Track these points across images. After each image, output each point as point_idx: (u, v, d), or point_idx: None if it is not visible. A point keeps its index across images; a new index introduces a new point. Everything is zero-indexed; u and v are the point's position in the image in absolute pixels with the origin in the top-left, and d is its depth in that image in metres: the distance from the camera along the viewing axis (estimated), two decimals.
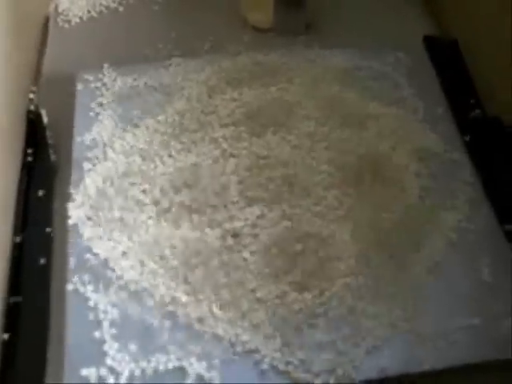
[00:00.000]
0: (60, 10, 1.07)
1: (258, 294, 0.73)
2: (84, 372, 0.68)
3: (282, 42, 1.01)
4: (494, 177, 0.85)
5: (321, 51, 0.98)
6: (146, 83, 0.94)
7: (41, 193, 0.84)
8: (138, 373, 0.68)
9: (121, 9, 1.08)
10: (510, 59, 0.86)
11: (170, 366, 0.69)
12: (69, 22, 1.05)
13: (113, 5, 1.08)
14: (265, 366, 0.69)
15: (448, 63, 0.98)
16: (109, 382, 0.68)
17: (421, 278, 0.76)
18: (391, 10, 1.07)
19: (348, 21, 1.04)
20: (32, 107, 0.91)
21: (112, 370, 0.69)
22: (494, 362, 0.70)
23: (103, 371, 0.68)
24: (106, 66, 0.96)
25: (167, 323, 0.72)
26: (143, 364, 0.69)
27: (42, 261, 0.78)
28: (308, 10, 1.02)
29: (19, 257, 0.79)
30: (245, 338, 0.70)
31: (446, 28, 1.03)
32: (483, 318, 0.73)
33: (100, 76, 0.94)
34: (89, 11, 1.07)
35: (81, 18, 1.06)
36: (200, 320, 0.72)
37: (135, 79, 0.94)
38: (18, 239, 0.80)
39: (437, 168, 0.85)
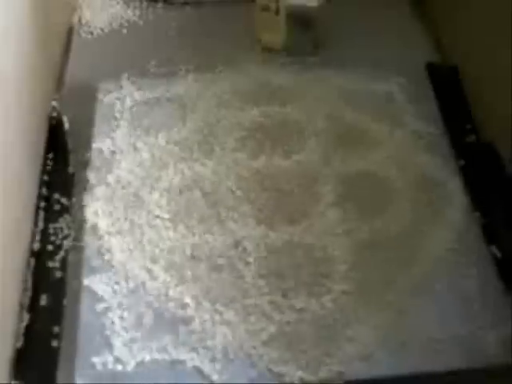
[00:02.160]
0: (83, 22, 1.13)
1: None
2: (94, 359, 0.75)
3: (292, 61, 1.07)
4: (485, 201, 0.90)
5: (327, 72, 1.04)
6: (162, 95, 1.00)
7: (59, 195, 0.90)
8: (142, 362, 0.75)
9: (141, 23, 1.14)
10: (507, 89, 0.91)
11: (171, 358, 0.75)
12: (91, 33, 1.12)
13: (133, 18, 1.14)
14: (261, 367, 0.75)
15: (447, 89, 1.03)
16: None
17: (411, 291, 0.81)
18: (396, 36, 1.12)
19: (354, 44, 1.10)
20: (54, 114, 0.97)
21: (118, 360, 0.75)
22: (479, 370, 0.76)
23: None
24: (125, 77, 1.02)
25: (170, 319, 0.78)
26: (147, 355, 0.75)
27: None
28: (317, 33, 1.08)
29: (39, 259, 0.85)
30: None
31: (447, 55, 1.08)
32: (469, 329, 0.78)
33: (119, 87, 1.00)
34: (110, 24, 1.13)
35: (102, 29, 1.12)
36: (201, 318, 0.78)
37: (152, 91, 1.00)
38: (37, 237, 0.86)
39: (430, 190, 0.91)
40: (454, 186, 0.91)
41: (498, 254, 0.85)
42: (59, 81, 1.03)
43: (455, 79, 1.04)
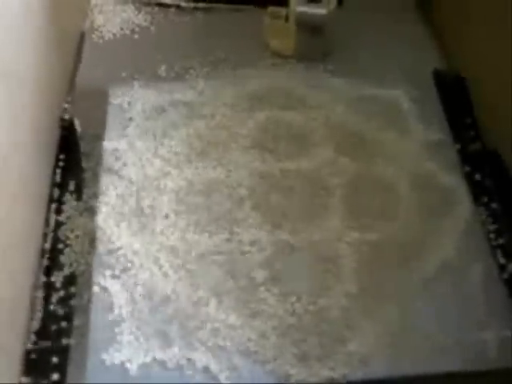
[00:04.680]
0: (95, 26, 1.15)
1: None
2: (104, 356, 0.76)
3: (301, 67, 1.08)
4: (489, 207, 0.92)
5: (335, 79, 1.06)
6: (172, 99, 1.01)
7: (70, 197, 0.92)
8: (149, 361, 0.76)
9: (152, 28, 1.15)
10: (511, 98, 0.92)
11: (179, 357, 0.77)
12: (103, 37, 1.13)
13: (144, 23, 1.16)
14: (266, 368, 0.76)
15: (454, 96, 1.04)
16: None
17: (414, 294, 0.83)
18: (404, 44, 1.13)
19: (362, 51, 1.11)
20: (66, 116, 0.99)
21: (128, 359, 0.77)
22: (480, 373, 0.77)
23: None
24: (136, 81, 1.03)
25: (179, 322, 0.79)
26: (154, 355, 0.77)
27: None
28: (326, 40, 1.09)
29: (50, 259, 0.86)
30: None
31: (453, 63, 1.10)
32: (470, 332, 0.80)
33: (130, 91, 1.02)
34: (122, 28, 1.15)
35: (114, 34, 1.14)
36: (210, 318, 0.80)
37: (163, 95, 1.01)
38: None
39: (436, 196, 0.92)
40: (459, 193, 0.92)
41: (502, 260, 0.87)
42: (71, 83, 1.05)
43: (461, 87, 1.05)
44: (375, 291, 0.82)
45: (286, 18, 1.09)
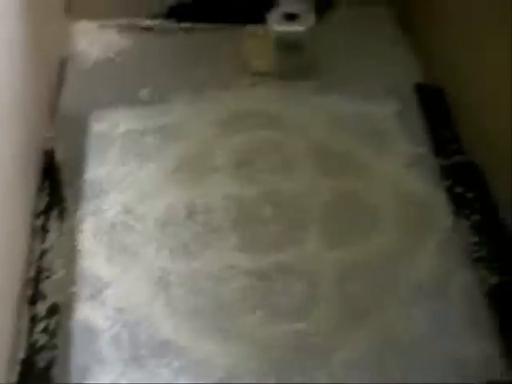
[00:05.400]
0: (77, 51, 1.15)
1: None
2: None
3: (282, 85, 1.08)
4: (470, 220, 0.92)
5: (316, 96, 1.06)
6: (153, 123, 1.02)
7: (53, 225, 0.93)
8: None
9: (134, 51, 1.16)
10: (492, 109, 0.92)
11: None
12: (85, 62, 1.14)
13: (126, 47, 1.16)
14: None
15: (435, 110, 1.05)
16: None
17: (395, 307, 0.83)
18: (385, 58, 1.14)
19: (344, 67, 1.12)
20: (49, 144, 1.00)
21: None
22: None
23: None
24: (117, 106, 1.04)
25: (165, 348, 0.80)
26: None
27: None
28: (306, 57, 1.10)
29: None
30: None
31: (435, 76, 1.10)
32: (452, 347, 0.80)
33: (111, 117, 1.02)
34: (104, 52, 1.15)
35: (96, 59, 1.15)
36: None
37: (144, 119, 1.02)
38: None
39: (417, 211, 0.92)
40: (440, 206, 0.93)
41: (483, 273, 0.87)
42: (53, 111, 1.06)
43: (442, 100, 1.05)
44: (355, 307, 0.82)
45: (266, 37, 1.09)
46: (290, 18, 1.06)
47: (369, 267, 0.87)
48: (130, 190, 0.93)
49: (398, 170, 0.97)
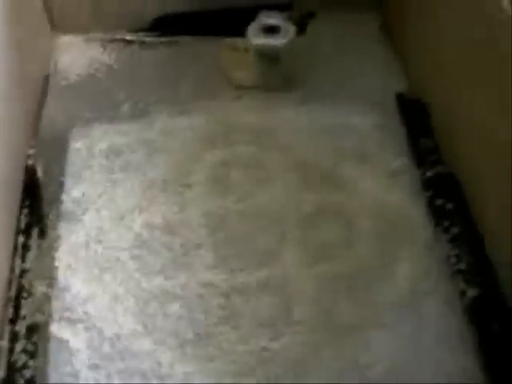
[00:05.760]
0: (60, 67, 1.16)
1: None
2: None
3: (263, 98, 1.08)
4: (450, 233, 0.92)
5: (296, 109, 1.06)
6: (134, 139, 1.02)
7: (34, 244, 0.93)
8: None
9: (116, 65, 1.16)
10: (469, 120, 0.92)
11: None
12: (67, 79, 1.14)
13: (109, 61, 1.16)
14: None
15: (415, 120, 1.04)
16: None
17: (372, 322, 0.83)
18: (368, 69, 1.13)
19: (325, 78, 1.11)
20: (30, 162, 1.00)
21: None
22: None
23: None
24: (97, 122, 1.04)
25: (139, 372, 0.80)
26: None
27: None
28: (287, 69, 1.09)
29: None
30: None
31: (417, 87, 1.09)
32: (430, 360, 0.80)
33: (91, 133, 1.02)
34: (86, 68, 1.15)
35: (79, 75, 1.14)
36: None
37: (124, 135, 1.02)
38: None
39: (396, 224, 0.92)
40: (419, 219, 0.92)
41: (463, 286, 0.87)
42: (35, 129, 1.06)
43: (423, 111, 1.05)
44: (330, 326, 0.82)
45: (246, 50, 1.09)
46: (270, 30, 1.05)
47: (347, 281, 0.86)
48: (107, 208, 0.93)
49: (379, 182, 0.96)
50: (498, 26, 0.81)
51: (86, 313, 0.84)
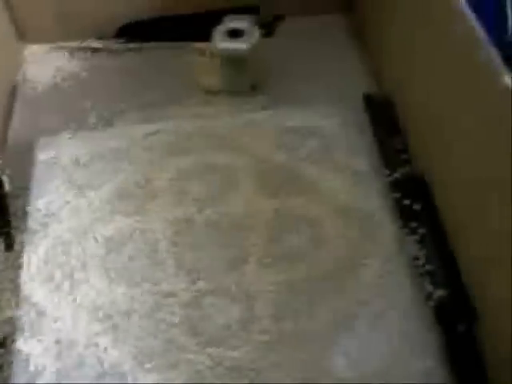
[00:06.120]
0: (27, 77, 1.15)
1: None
2: None
3: (230, 102, 1.08)
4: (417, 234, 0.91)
5: (263, 113, 1.05)
6: (100, 149, 1.01)
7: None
8: None
9: (83, 74, 1.16)
10: (437, 120, 0.92)
11: None
12: (35, 89, 1.14)
13: (76, 70, 1.16)
14: None
15: (383, 120, 1.04)
16: None
17: (335, 328, 0.83)
18: (336, 69, 1.13)
19: (292, 81, 1.11)
20: None
21: None
22: None
23: None
24: (64, 132, 1.04)
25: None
26: None
27: None
28: (254, 73, 1.09)
29: None
30: None
31: (384, 86, 1.09)
32: (396, 364, 0.79)
33: (57, 143, 1.02)
34: (54, 77, 1.15)
35: (46, 84, 1.14)
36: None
37: (90, 145, 1.01)
38: None
39: (360, 223, 0.91)
40: (385, 220, 0.92)
41: (429, 288, 0.86)
42: (1, 140, 1.06)
43: (391, 110, 1.04)
44: (293, 332, 0.82)
45: (212, 55, 1.09)
46: (235, 34, 1.05)
47: (308, 288, 0.86)
48: (71, 220, 0.93)
49: (345, 184, 0.96)
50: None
51: (49, 325, 0.84)
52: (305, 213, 0.93)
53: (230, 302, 0.84)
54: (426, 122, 0.94)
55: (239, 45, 1.04)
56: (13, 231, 0.95)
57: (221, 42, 1.05)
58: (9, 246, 0.93)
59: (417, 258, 0.89)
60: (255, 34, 1.05)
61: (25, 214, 0.95)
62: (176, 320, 0.83)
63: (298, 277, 0.87)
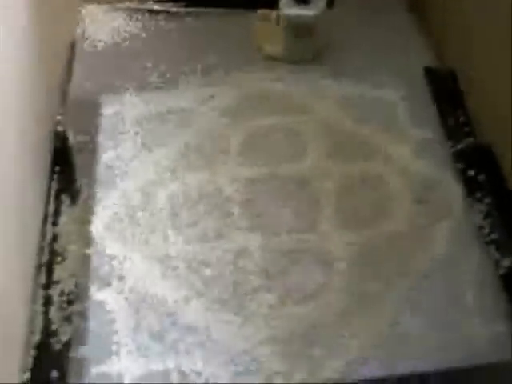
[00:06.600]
0: (86, 35, 1.15)
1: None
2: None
3: (292, 70, 1.08)
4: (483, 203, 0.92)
5: (326, 81, 1.06)
6: (164, 108, 1.02)
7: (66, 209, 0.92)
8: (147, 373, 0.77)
9: (143, 35, 1.16)
10: (504, 91, 0.92)
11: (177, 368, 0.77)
12: (94, 46, 1.13)
13: (135, 31, 1.16)
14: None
15: (445, 93, 1.04)
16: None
17: (406, 289, 0.83)
18: (396, 42, 1.14)
19: (354, 51, 1.11)
20: (59, 128, 0.99)
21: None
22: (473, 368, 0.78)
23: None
24: (127, 90, 1.04)
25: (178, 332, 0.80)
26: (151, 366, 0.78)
27: None
28: (317, 42, 1.09)
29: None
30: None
31: (445, 59, 1.10)
32: (462, 328, 0.80)
33: (122, 101, 1.02)
34: (113, 37, 1.15)
35: (105, 43, 1.14)
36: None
37: (154, 104, 1.02)
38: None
39: (429, 195, 0.92)
40: (452, 190, 0.93)
41: (496, 255, 0.87)
42: (63, 95, 1.05)
43: (453, 83, 1.05)
44: (367, 290, 0.83)
45: (277, 21, 1.09)
46: (302, 1, 1.05)
47: (381, 250, 0.87)
48: (140, 175, 0.93)
49: (409, 154, 0.96)
50: None
51: (123, 275, 0.84)
52: (374, 179, 0.93)
53: (305, 258, 0.85)
54: (492, 93, 0.95)
55: (306, 11, 1.04)
56: (77, 184, 0.95)
57: (288, 9, 1.05)
58: (73, 199, 0.94)
59: (482, 227, 0.90)
60: (321, 1, 1.05)
61: (88, 167, 0.96)
62: (253, 275, 0.84)
63: (369, 239, 0.87)
